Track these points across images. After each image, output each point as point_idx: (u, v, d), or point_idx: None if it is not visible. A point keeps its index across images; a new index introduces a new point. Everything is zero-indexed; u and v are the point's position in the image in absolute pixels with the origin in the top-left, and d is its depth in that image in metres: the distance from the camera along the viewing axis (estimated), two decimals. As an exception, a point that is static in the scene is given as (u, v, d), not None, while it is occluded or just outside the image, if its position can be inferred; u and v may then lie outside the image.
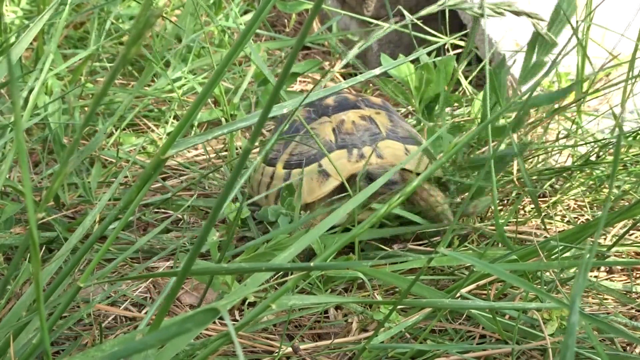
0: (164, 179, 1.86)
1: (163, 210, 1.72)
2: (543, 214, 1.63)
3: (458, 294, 1.29)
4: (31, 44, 1.87)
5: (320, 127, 1.61)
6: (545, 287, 1.33)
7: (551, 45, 1.46)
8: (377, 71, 1.18)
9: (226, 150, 1.97)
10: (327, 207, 1.52)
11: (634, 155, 1.69)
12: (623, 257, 1.54)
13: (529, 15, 1.34)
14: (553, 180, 1.72)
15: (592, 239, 1.33)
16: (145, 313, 1.42)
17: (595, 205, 1.70)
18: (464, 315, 1.37)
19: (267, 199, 1.62)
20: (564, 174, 1.70)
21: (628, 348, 1.33)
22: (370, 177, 1.50)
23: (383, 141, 1.58)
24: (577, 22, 1.76)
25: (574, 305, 0.65)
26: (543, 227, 1.58)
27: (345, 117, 1.62)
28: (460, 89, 2.20)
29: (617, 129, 1.75)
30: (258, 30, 2.37)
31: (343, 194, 1.55)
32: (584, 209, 1.70)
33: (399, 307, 1.34)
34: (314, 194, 1.56)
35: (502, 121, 1.65)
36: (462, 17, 2.22)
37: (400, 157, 1.56)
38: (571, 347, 0.65)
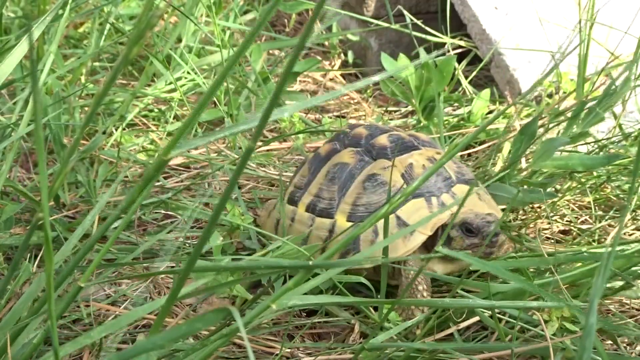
0: (164, 178, 1.86)
1: (164, 211, 1.72)
2: (544, 214, 1.63)
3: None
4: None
5: (384, 173, 1.43)
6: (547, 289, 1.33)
7: (599, 119, 1.48)
8: (376, 78, 1.16)
9: (227, 150, 1.97)
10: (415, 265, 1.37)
11: None
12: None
13: None
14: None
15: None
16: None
17: (596, 205, 1.70)
18: (464, 315, 1.37)
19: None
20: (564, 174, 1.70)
21: (628, 348, 1.33)
22: (467, 228, 1.37)
23: (456, 186, 1.45)
24: (579, 21, 1.76)
25: (592, 306, 0.65)
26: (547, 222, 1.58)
27: (413, 160, 1.45)
28: (460, 88, 2.20)
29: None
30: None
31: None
32: (584, 209, 1.70)
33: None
34: (397, 251, 1.37)
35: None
36: (462, 17, 2.22)
37: (475, 202, 1.42)
38: (588, 349, 0.64)
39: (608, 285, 1.28)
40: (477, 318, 1.31)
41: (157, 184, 1.82)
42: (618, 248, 1.50)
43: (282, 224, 1.51)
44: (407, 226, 1.37)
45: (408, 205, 1.40)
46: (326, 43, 2.58)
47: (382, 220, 1.34)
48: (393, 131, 1.53)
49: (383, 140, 1.49)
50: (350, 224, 1.42)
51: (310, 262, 0.86)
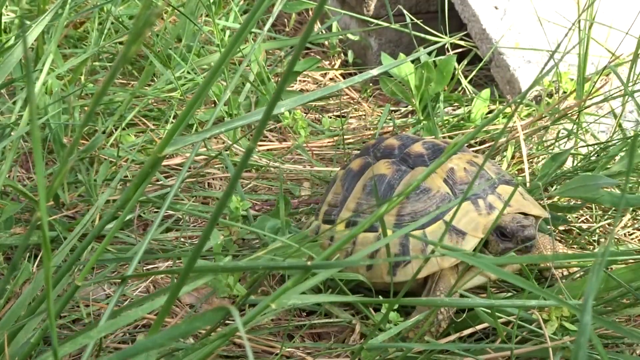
0: (165, 177, 1.86)
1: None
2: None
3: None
4: (31, 43, 1.87)
5: (426, 180, 1.38)
6: (547, 288, 1.33)
7: None
8: (375, 71, 1.15)
9: (226, 150, 1.97)
10: (463, 272, 1.30)
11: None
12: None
13: None
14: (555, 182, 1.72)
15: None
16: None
17: (596, 205, 1.70)
18: (465, 314, 1.37)
19: (371, 271, 1.40)
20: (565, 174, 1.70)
21: (628, 349, 1.33)
22: (501, 231, 1.35)
23: (499, 187, 1.42)
24: (578, 20, 1.76)
25: (587, 304, 0.65)
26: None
27: (454, 165, 1.43)
28: (460, 88, 2.20)
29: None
30: (257, 30, 2.37)
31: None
32: (584, 208, 1.69)
33: (399, 307, 1.34)
34: (450, 258, 1.32)
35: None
36: (462, 16, 2.22)
37: (521, 202, 1.40)
38: (583, 346, 0.64)
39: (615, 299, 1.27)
40: (479, 327, 1.31)
41: (158, 182, 1.82)
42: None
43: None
44: (458, 231, 1.35)
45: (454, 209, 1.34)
46: (326, 43, 2.58)
47: (433, 228, 1.35)
48: (425, 139, 1.51)
49: (418, 148, 1.47)
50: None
51: (309, 263, 0.86)
